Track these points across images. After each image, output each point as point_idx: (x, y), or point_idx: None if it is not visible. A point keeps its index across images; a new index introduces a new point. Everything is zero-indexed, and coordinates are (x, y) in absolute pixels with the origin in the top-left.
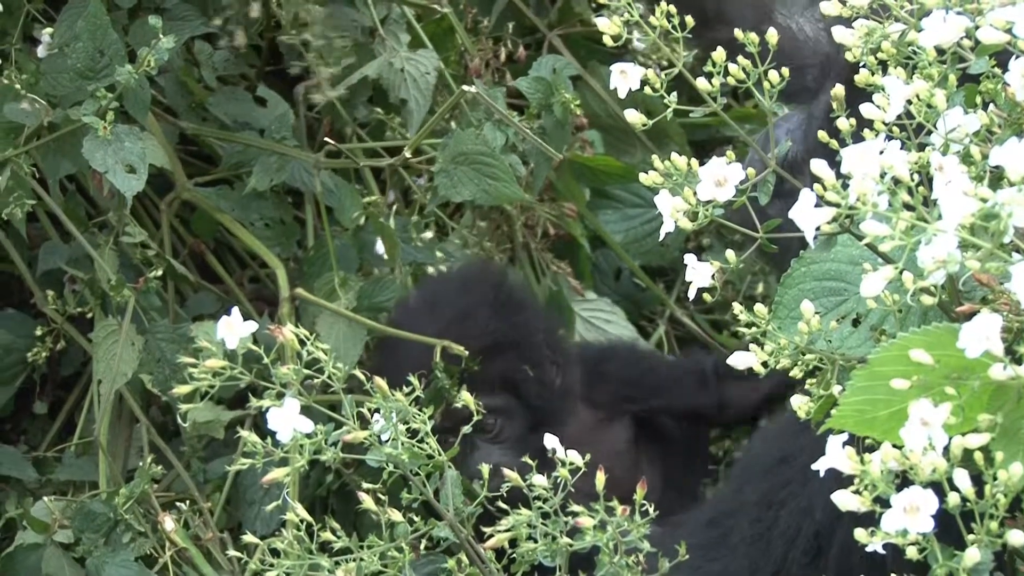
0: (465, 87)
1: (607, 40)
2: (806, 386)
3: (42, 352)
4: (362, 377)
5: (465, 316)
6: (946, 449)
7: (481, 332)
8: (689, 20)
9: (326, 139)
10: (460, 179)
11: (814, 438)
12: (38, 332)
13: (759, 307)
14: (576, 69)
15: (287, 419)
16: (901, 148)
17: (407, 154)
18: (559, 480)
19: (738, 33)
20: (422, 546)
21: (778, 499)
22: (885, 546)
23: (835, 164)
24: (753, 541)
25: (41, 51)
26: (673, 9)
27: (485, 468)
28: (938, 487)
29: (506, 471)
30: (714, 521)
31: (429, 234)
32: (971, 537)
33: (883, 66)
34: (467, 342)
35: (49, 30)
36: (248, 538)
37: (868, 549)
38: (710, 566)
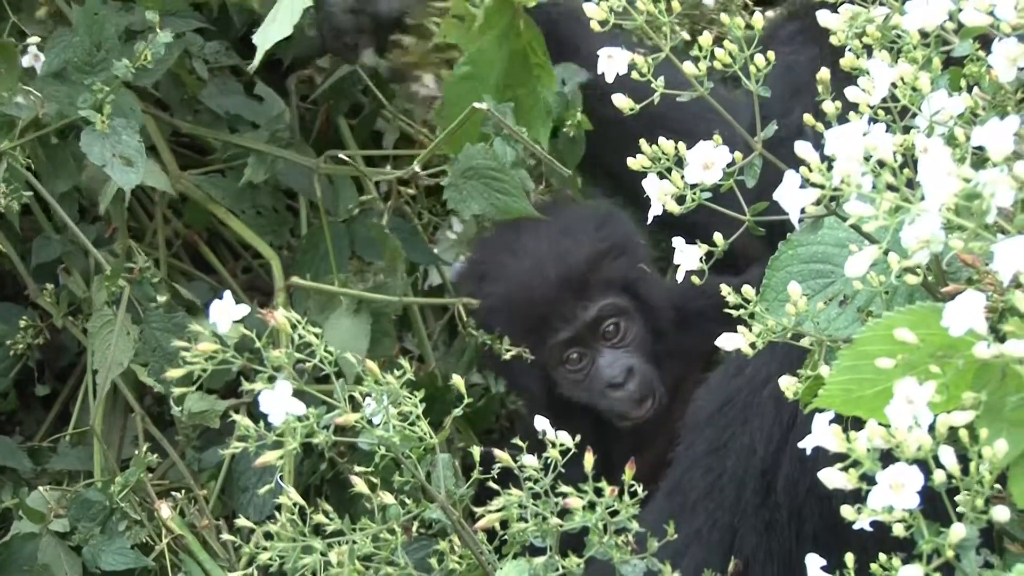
0: (475, 104)
1: (595, 26)
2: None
3: (19, 344)
4: (353, 360)
5: (575, 227)
6: (931, 427)
7: (593, 238)
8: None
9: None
10: (470, 193)
11: (749, 378)
12: (21, 323)
13: (747, 289)
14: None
15: (279, 402)
16: (886, 131)
17: (416, 168)
18: (550, 460)
19: (724, 18)
20: (414, 528)
21: (722, 444)
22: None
23: None
24: (707, 492)
25: (26, 61)
26: None
27: (615, 370)
28: (924, 465)
29: (496, 452)
30: (673, 488)
31: (452, 235)
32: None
33: (868, 50)
34: (580, 249)
35: (35, 40)
36: (242, 522)
37: (855, 527)
38: (673, 542)
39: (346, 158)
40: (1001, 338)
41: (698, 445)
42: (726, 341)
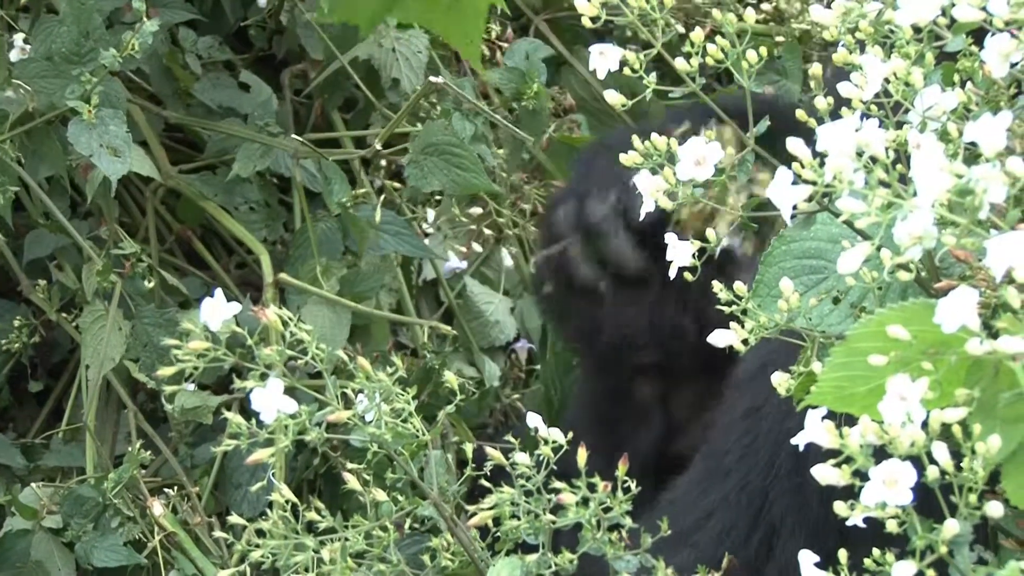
0: (432, 78)
1: (586, 22)
2: None
3: (15, 343)
4: (346, 358)
5: None
6: (924, 423)
7: None
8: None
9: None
10: (430, 170)
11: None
12: (16, 323)
13: (739, 285)
14: (560, 54)
15: (271, 400)
16: (879, 127)
17: (377, 146)
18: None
19: (716, 14)
20: (407, 525)
21: (760, 406)
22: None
23: None
24: (741, 455)
25: (14, 55)
26: None
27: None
28: (917, 461)
29: (489, 450)
30: (709, 450)
31: (429, 228)
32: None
33: (861, 45)
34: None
35: (22, 35)
36: (234, 519)
37: (848, 523)
38: (703, 501)
39: (308, 143)
40: (994, 334)
41: (737, 406)
42: (717, 337)
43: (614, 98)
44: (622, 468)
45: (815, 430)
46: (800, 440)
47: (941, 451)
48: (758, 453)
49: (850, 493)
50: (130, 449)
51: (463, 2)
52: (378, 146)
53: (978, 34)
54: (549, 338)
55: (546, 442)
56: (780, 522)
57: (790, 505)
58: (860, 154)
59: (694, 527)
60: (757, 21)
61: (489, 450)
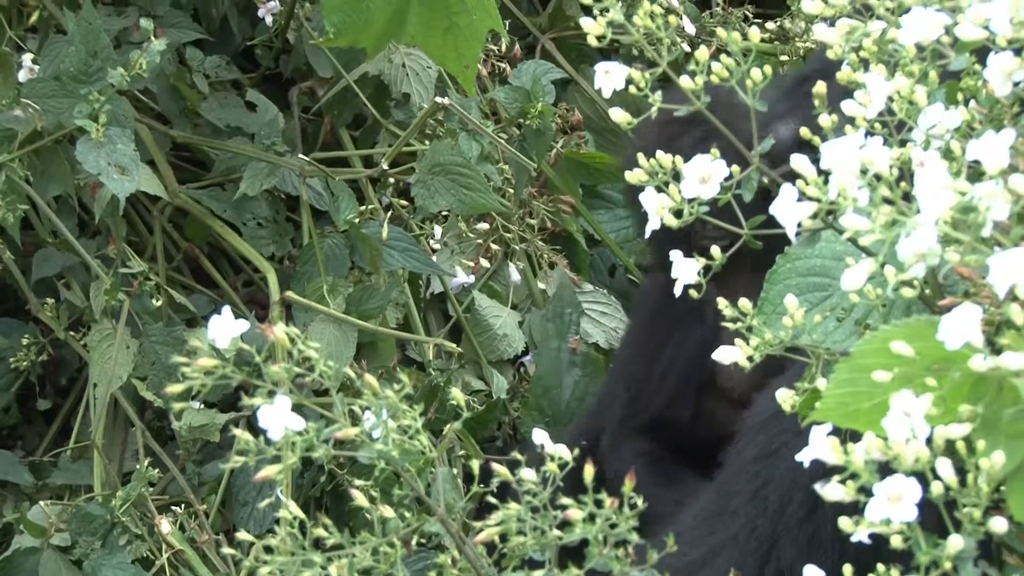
0: (438, 99)
1: (592, 40)
2: None
3: (23, 361)
4: (353, 375)
5: None
6: (928, 439)
7: None
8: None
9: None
10: (437, 189)
11: None
12: (24, 341)
13: (744, 302)
14: (566, 73)
15: (278, 417)
16: (883, 145)
17: (384, 165)
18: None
19: (721, 32)
20: (414, 542)
21: (773, 451)
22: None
23: None
24: (751, 499)
25: (22, 76)
26: (658, 8)
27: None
28: (922, 477)
29: (495, 467)
30: (719, 487)
31: (436, 244)
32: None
33: (865, 64)
34: None
35: (30, 56)
36: (242, 536)
37: (853, 539)
38: (711, 538)
39: (315, 162)
40: (997, 351)
41: (749, 449)
42: (723, 354)
43: (619, 116)
44: (628, 484)
45: (820, 446)
46: (804, 456)
47: (945, 467)
48: (768, 498)
49: (855, 510)
50: (138, 467)
51: (461, 26)
52: (385, 166)
53: (981, 53)
54: (543, 347)
55: (552, 459)
56: (790, 568)
57: (801, 553)
58: (864, 172)
59: (700, 562)
60: (762, 40)
61: (495, 466)
